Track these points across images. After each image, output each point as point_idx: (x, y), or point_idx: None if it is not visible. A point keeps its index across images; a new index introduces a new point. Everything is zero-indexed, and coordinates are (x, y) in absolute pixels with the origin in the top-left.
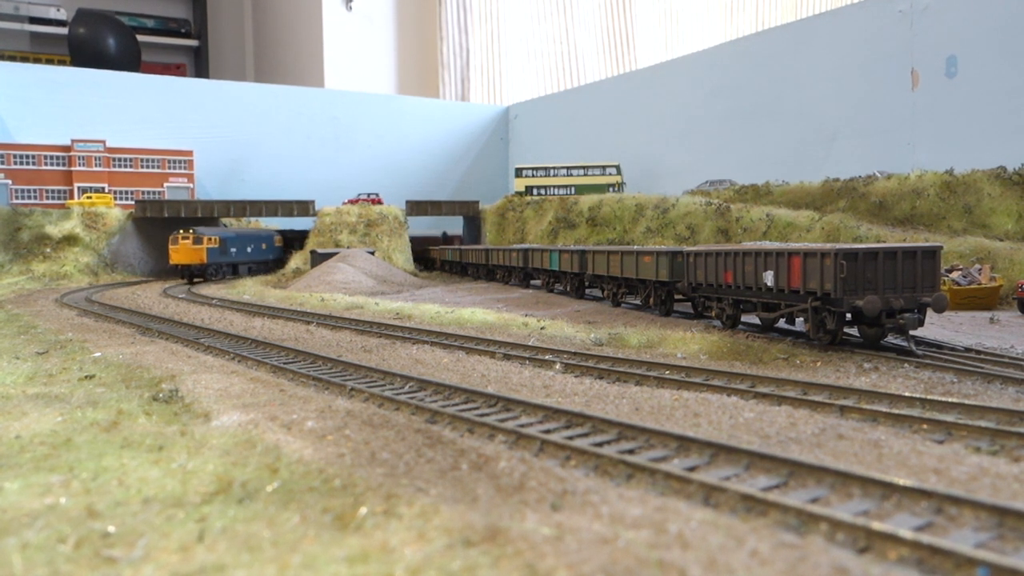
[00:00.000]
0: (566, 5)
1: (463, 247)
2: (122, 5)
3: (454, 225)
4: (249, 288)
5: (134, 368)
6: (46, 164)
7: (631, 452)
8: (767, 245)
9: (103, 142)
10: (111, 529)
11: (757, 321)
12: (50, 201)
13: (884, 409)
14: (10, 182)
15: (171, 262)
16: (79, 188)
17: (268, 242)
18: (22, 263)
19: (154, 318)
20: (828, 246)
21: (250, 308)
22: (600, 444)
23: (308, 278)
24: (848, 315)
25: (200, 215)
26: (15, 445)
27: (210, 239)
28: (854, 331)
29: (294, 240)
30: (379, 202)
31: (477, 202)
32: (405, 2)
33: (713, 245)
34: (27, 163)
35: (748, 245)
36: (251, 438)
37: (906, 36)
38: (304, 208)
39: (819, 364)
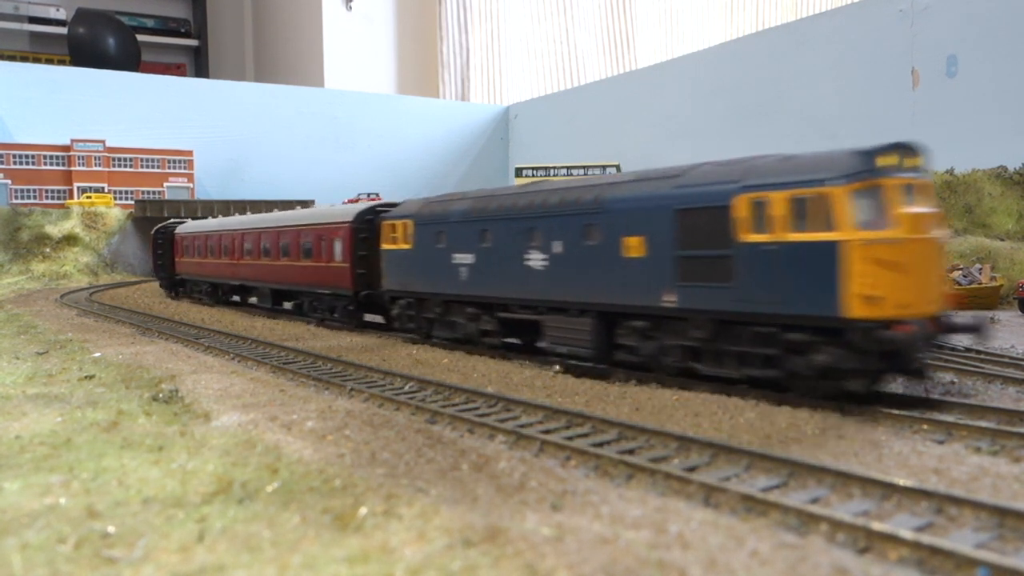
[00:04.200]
0: (566, 5)
1: None
2: (122, 5)
3: None
4: None
5: (134, 368)
6: (46, 164)
7: (631, 452)
8: None
9: (103, 142)
10: (111, 529)
11: None
12: (50, 201)
13: (884, 409)
14: (10, 182)
15: None
16: (79, 188)
17: None
18: (22, 263)
19: (154, 318)
20: None
21: (250, 308)
22: (600, 444)
23: None
24: None
25: (200, 215)
26: (15, 445)
27: None
28: None
29: None
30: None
31: None
32: (405, 2)
33: None
34: (27, 163)
35: None
36: (251, 438)
37: (906, 35)
38: (304, 208)
39: None
